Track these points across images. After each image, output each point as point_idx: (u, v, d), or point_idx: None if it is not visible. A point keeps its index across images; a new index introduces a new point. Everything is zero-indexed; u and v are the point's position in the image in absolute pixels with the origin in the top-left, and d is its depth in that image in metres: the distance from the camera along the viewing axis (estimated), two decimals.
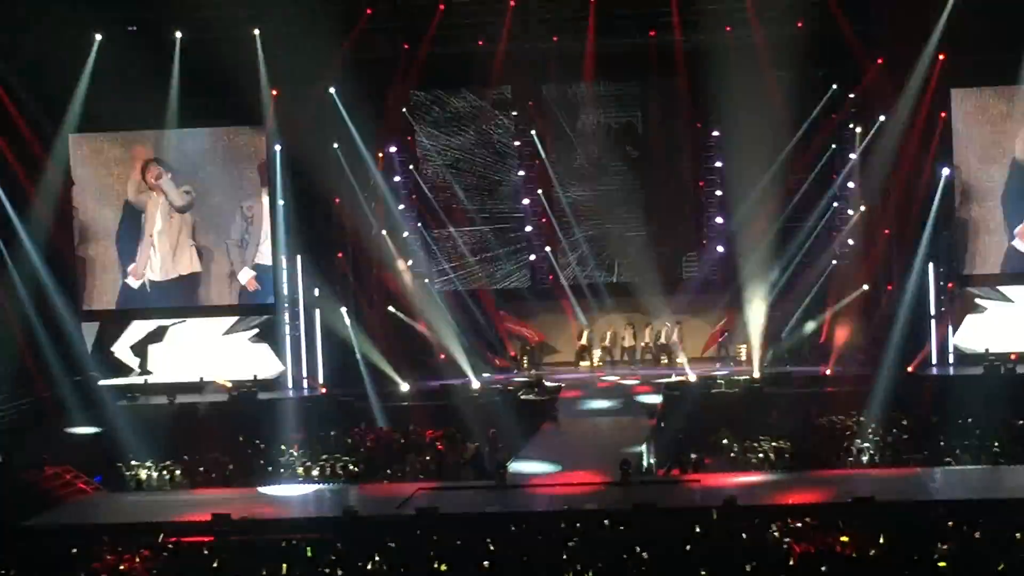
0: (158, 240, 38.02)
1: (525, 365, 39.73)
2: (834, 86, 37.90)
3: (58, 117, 36.68)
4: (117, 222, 38.12)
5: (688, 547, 22.89)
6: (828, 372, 36.09)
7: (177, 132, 37.50)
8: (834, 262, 38.38)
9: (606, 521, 25.18)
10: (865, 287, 37.57)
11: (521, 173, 40.33)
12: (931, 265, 36.49)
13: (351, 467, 31.81)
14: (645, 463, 30.74)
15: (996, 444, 30.60)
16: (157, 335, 38.43)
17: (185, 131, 37.53)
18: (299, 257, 37.75)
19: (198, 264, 38.05)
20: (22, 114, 36.23)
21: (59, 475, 31.71)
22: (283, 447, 32.88)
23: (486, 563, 22.55)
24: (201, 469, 32.24)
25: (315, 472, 31.80)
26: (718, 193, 39.58)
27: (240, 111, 37.01)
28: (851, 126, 37.89)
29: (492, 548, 23.46)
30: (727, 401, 33.79)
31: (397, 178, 39.96)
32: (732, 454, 31.15)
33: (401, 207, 39.85)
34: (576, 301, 40.51)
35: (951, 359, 36.40)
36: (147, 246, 38.05)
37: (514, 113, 40.14)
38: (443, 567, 22.55)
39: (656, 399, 34.55)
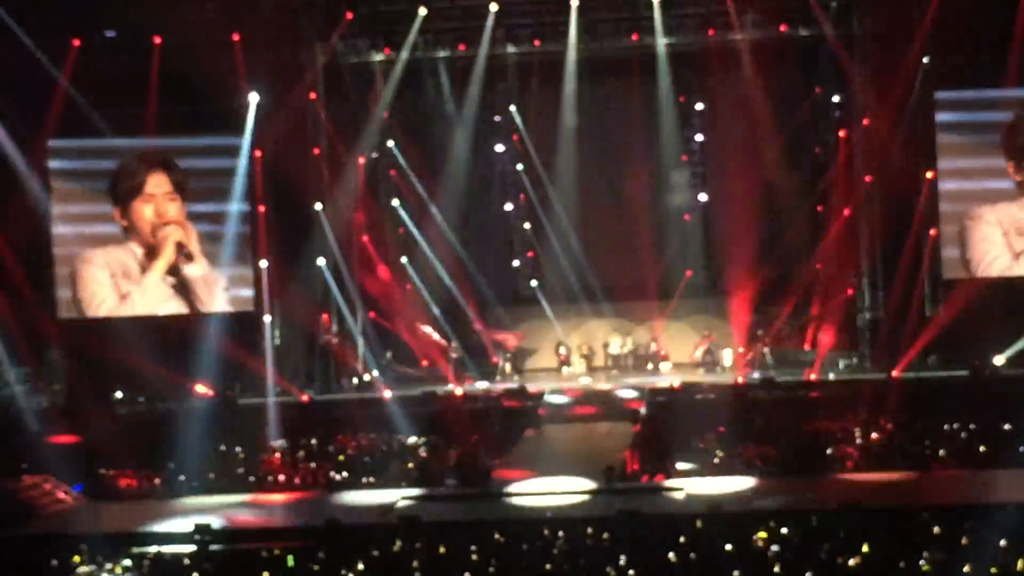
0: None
1: (508, 371, 39.53)
2: (818, 89, 37.82)
3: (36, 123, 36.42)
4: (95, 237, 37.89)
5: (672, 554, 22.76)
6: (813, 377, 35.98)
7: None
8: (819, 266, 38.27)
9: (590, 528, 25.03)
10: (850, 291, 37.48)
11: (504, 178, 40.18)
12: (916, 268, 36.44)
13: (333, 475, 31.64)
14: (629, 470, 30.59)
15: (982, 448, 30.52)
16: None
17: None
18: (279, 263, 37.65)
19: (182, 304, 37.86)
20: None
21: (38, 484, 31.51)
22: (264, 455, 32.71)
23: (469, 571, 22.44)
24: (182, 477, 32.04)
25: (297, 480, 31.65)
26: (701, 197, 39.52)
27: (219, 117, 36.79)
28: (835, 129, 37.74)
29: (475, 556, 23.32)
30: (711, 407, 33.64)
31: (378, 183, 39.83)
32: (716, 460, 31.02)
33: (382, 212, 39.70)
34: (559, 307, 40.36)
35: (936, 363, 36.25)
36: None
37: (496, 118, 39.99)
38: (426, 575, 22.43)
39: (640, 405, 34.42)
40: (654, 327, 39.60)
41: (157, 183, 37.21)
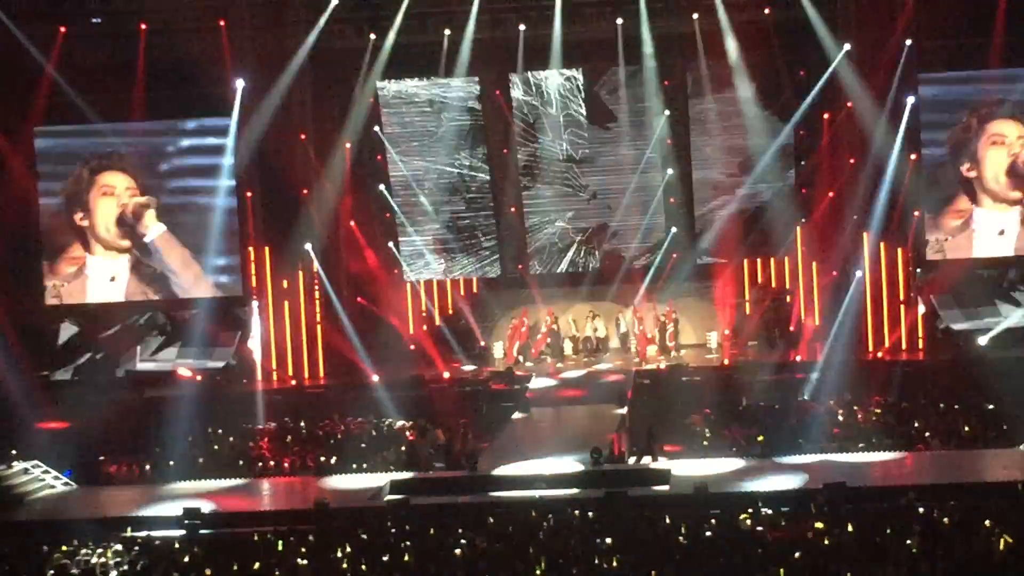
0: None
1: (494, 355, 39.66)
2: (802, 72, 37.89)
3: (23, 110, 36.43)
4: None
5: (659, 535, 22.86)
6: (798, 358, 36.11)
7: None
8: (803, 248, 38.41)
9: (577, 510, 25.12)
10: (834, 272, 37.62)
11: (490, 162, 40.21)
12: (899, 250, 36.61)
13: (322, 459, 31.75)
14: (616, 452, 30.70)
15: (966, 428, 30.70)
16: None
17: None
18: (267, 249, 37.72)
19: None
20: None
21: (27, 470, 31.56)
22: (253, 440, 32.81)
23: (457, 553, 22.53)
24: (171, 463, 32.11)
25: (286, 464, 31.75)
26: (687, 180, 39.60)
27: (206, 103, 36.81)
28: (819, 112, 37.82)
29: (464, 539, 23.41)
30: (698, 388, 33.76)
31: (365, 168, 39.90)
32: (703, 442, 31.15)
33: (369, 197, 39.78)
34: (545, 290, 40.44)
35: (920, 343, 36.40)
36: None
37: (482, 102, 39.99)
38: (415, 558, 22.51)
39: (626, 387, 34.52)
40: (639, 310, 39.64)
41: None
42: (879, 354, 35.77)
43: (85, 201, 37.66)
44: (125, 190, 37.60)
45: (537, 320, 40.03)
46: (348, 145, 38.93)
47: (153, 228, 37.55)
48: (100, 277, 37.86)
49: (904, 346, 36.12)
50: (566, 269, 40.48)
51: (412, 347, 39.65)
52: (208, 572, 22.36)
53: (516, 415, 33.98)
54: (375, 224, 39.93)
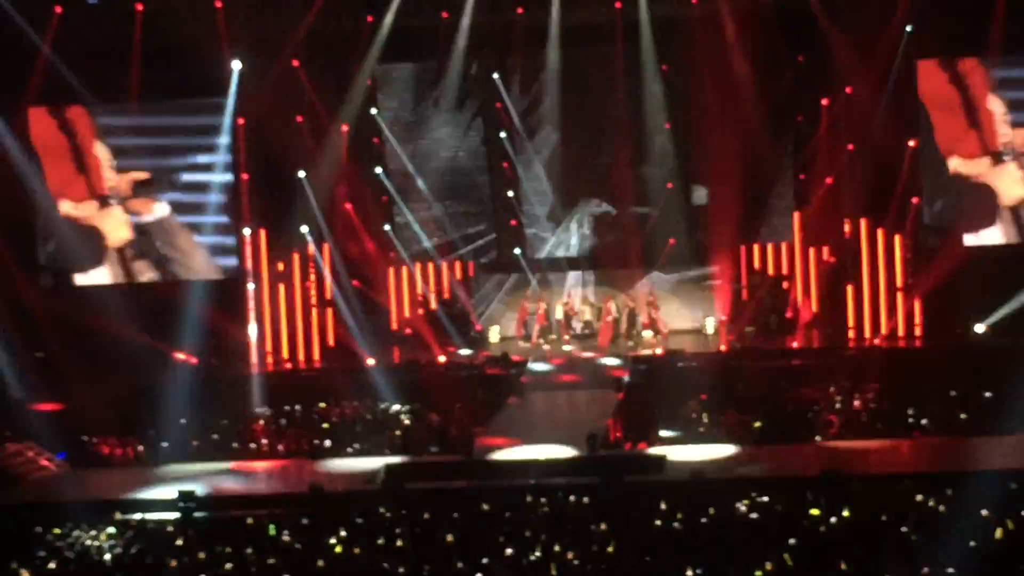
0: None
1: (492, 340, 39.60)
2: (800, 57, 37.76)
3: (17, 90, 36.29)
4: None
5: (654, 522, 22.83)
6: (795, 345, 36.06)
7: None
8: (801, 234, 38.31)
9: (572, 496, 25.11)
10: (832, 259, 37.55)
11: (486, 146, 40.12)
12: (898, 237, 36.55)
13: (316, 442, 31.68)
14: (612, 437, 30.65)
15: (963, 416, 30.63)
16: None
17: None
18: (263, 231, 37.63)
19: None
20: None
21: (21, 452, 31.51)
22: (248, 423, 32.75)
23: (452, 537, 22.50)
24: (165, 445, 32.04)
25: (280, 447, 31.70)
26: (685, 166, 39.51)
27: (202, 84, 36.67)
28: (818, 97, 37.68)
29: (458, 523, 23.39)
30: (695, 374, 33.68)
31: (361, 150, 39.79)
32: (700, 428, 31.09)
33: (364, 179, 39.67)
34: (542, 275, 40.36)
35: (918, 331, 36.34)
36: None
37: (479, 85, 39.89)
38: (409, 542, 22.48)
39: (623, 373, 34.48)
40: (637, 295, 39.56)
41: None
42: (876, 341, 35.66)
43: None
44: (110, 166, 37.48)
45: (550, 304, 39.86)
46: (345, 127, 38.82)
47: (156, 208, 37.46)
48: None
49: (901, 332, 36.04)
50: (564, 253, 40.38)
51: (408, 331, 39.56)
52: (201, 555, 22.36)
53: (512, 400, 33.92)
54: (371, 207, 39.79)
